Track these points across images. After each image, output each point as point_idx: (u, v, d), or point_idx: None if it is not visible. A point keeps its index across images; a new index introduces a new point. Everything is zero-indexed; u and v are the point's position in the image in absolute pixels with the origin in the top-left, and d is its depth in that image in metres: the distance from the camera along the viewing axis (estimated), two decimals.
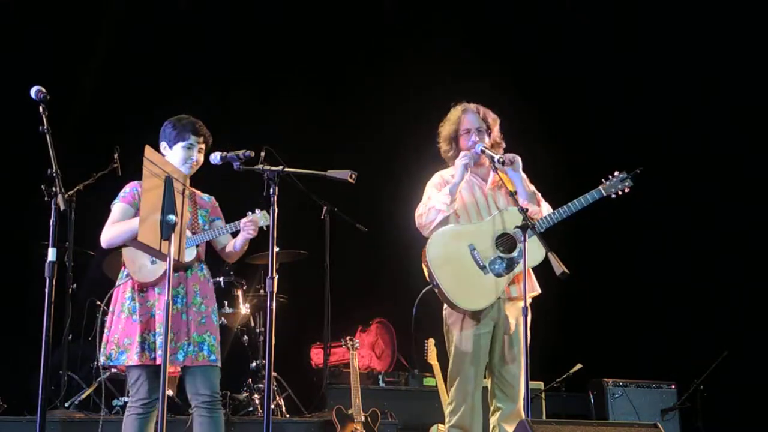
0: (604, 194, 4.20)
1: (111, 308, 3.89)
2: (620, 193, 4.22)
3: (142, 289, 3.84)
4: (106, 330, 3.88)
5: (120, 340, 3.79)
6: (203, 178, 4.08)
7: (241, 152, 3.74)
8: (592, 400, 6.57)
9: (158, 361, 3.72)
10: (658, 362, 7.00)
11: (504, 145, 4.42)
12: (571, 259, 3.91)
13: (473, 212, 4.27)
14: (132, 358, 3.75)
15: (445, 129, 4.40)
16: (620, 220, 7.58)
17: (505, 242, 4.15)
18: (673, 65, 7.39)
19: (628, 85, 7.58)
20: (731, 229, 7.21)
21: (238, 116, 7.06)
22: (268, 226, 3.71)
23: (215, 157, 3.88)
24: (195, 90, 7.00)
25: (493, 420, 4.19)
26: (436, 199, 4.21)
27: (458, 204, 4.27)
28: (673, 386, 6.63)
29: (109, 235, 3.87)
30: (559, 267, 3.73)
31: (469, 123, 4.32)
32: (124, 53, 7.07)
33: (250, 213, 3.91)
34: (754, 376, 6.76)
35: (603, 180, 4.22)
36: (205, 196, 4.11)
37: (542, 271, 4.07)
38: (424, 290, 4.50)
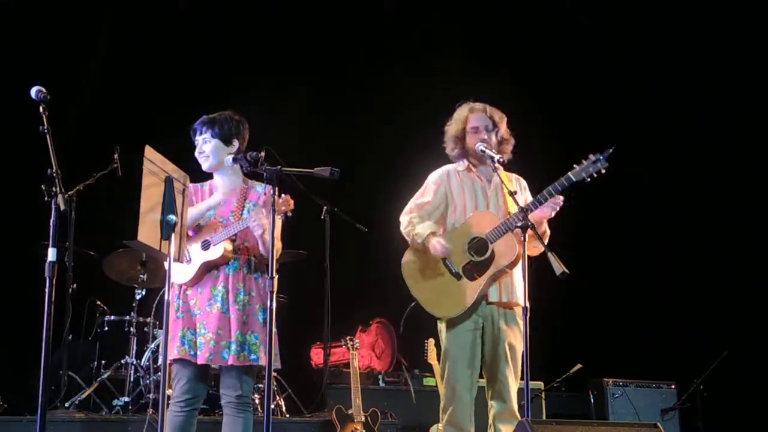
0: (574, 180, 4.00)
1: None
2: (596, 175, 3.99)
3: (186, 290, 3.90)
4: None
5: (169, 336, 3.84)
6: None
7: (248, 154, 3.76)
8: (592, 400, 6.57)
9: (198, 360, 3.76)
10: (658, 362, 7.00)
11: (513, 142, 4.36)
12: (571, 259, 3.91)
13: (470, 211, 4.25)
14: (172, 352, 3.79)
15: (452, 128, 4.38)
16: (620, 220, 7.59)
17: (476, 245, 4.16)
18: (673, 65, 7.39)
19: (628, 85, 7.58)
20: (731, 229, 7.21)
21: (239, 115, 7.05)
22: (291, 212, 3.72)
23: (228, 160, 3.89)
24: (195, 90, 7.00)
25: (489, 418, 4.19)
26: (421, 230, 4.21)
27: (458, 203, 4.28)
28: (673, 386, 6.63)
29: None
30: (559, 267, 3.72)
31: (476, 121, 4.30)
32: (124, 53, 7.07)
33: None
34: (754, 376, 6.76)
35: (574, 165, 4.04)
36: (260, 188, 4.03)
37: (542, 271, 4.07)
38: (410, 306, 4.53)
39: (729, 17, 7.01)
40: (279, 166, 3.68)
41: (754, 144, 7.08)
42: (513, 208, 4.13)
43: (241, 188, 4.01)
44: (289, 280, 5.50)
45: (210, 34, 7.33)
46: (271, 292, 3.52)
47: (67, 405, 5.49)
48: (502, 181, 4.17)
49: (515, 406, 4.12)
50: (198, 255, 3.85)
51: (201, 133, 3.97)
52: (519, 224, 3.98)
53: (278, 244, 3.76)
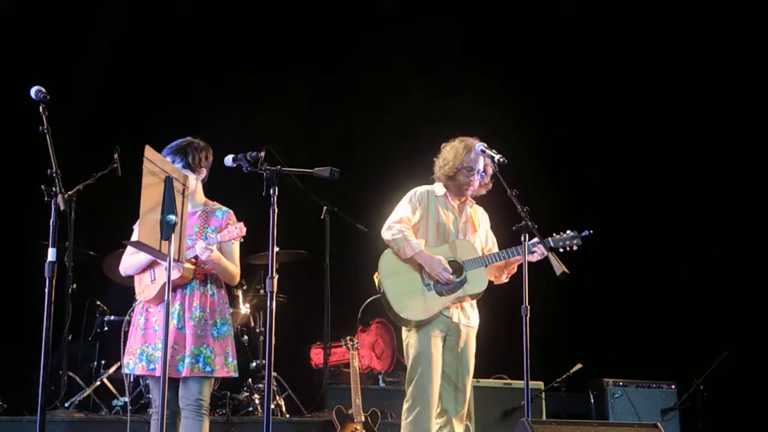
0: (553, 246, 4.30)
1: (133, 321, 4.07)
2: (568, 249, 4.30)
3: (149, 307, 4.00)
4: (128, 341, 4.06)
5: (130, 350, 3.98)
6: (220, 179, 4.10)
7: (248, 154, 3.78)
8: (592, 400, 6.57)
9: (156, 373, 3.85)
10: (658, 362, 7.00)
11: (490, 186, 4.52)
12: (571, 259, 3.93)
13: (443, 234, 4.43)
14: (130, 366, 3.95)
15: (453, 159, 4.45)
16: (620, 220, 7.58)
17: (452, 267, 4.34)
18: (673, 68, 7.39)
19: (626, 90, 7.57)
20: (731, 229, 7.21)
21: (239, 116, 7.06)
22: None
23: (228, 160, 3.90)
24: (195, 90, 7.00)
25: (440, 421, 4.35)
26: (413, 244, 4.32)
27: (431, 225, 4.45)
28: (673, 386, 6.63)
29: (125, 265, 4.08)
30: (559, 267, 3.79)
31: (474, 164, 4.42)
32: (124, 53, 7.07)
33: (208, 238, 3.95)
34: (754, 376, 6.76)
35: (554, 233, 4.32)
36: (220, 213, 4.09)
37: (542, 271, 4.09)
38: (370, 299, 4.64)
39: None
40: (279, 166, 3.69)
41: (755, 145, 7.09)
42: (477, 240, 4.47)
43: (202, 212, 4.07)
44: (289, 280, 5.51)
45: (210, 33, 7.32)
46: (271, 293, 3.54)
47: (66, 405, 5.49)
48: (471, 219, 4.47)
49: (466, 412, 4.41)
50: (162, 275, 3.88)
51: (171, 162, 4.00)
52: (520, 224, 4.11)
53: (237, 270, 4.01)
